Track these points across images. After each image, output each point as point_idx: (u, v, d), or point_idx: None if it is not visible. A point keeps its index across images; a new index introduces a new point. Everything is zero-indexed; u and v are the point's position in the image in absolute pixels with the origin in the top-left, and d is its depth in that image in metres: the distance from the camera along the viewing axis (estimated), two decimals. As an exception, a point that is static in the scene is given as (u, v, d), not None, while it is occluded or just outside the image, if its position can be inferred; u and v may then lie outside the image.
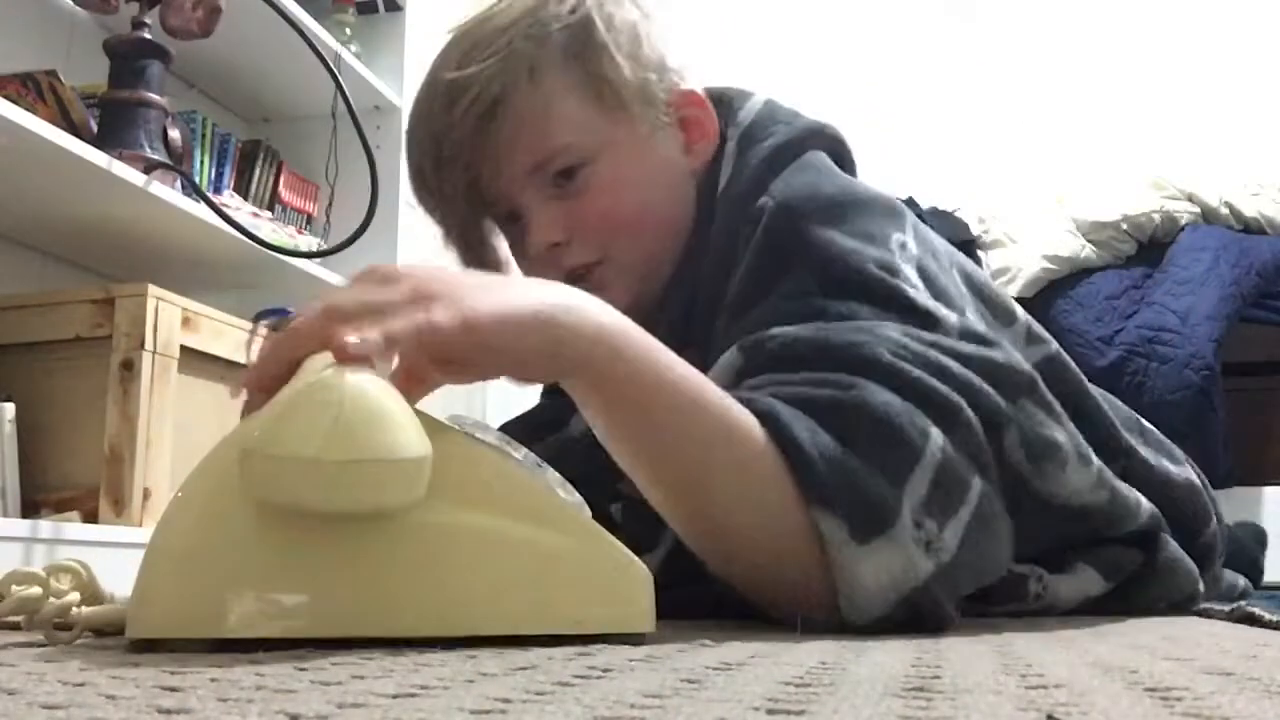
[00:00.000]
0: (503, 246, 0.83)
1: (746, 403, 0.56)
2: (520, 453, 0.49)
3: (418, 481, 0.41)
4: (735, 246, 0.72)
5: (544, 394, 0.94)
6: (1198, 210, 2.57)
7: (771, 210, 0.71)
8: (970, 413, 0.59)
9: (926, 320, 0.64)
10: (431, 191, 0.79)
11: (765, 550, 0.56)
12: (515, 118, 0.74)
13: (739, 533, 0.57)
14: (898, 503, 0.54)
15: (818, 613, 0.55)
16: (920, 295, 0.66)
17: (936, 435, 0.57)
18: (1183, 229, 2.56)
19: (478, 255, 0.82)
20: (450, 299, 0.46)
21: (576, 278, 0.76)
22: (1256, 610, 0.76)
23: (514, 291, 0.52)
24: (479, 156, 0.76)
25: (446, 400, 0.60)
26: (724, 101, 0.83)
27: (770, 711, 0.26)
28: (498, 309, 0.48)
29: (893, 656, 0.41)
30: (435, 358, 0.48)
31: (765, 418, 0.55)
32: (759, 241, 0.70)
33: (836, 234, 0.68)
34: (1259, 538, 1.39)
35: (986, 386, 0.62)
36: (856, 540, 0.53)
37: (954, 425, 0.58)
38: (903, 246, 0.70)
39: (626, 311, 0.55)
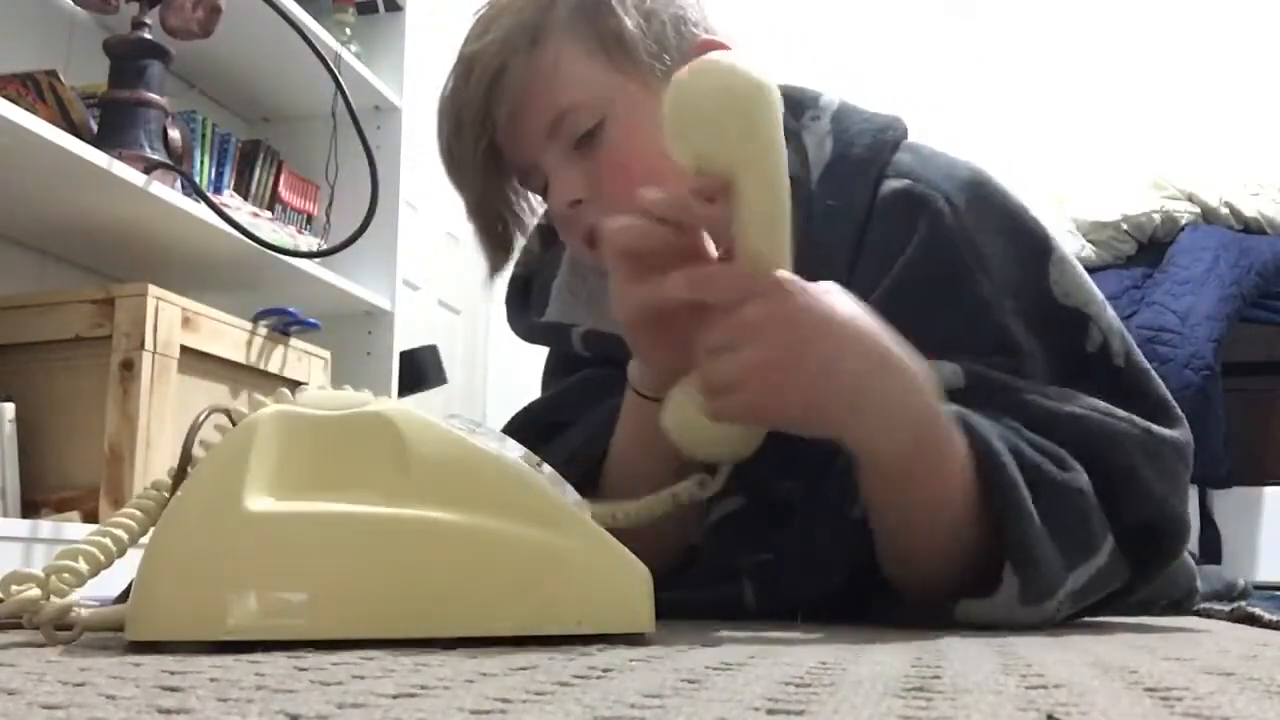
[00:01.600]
0: (524, 223, 0.84)
1: (985, 444, 0.63)
2: (520, 453, 0.49)
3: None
4: (852, 216, 0.73)
5: (546, 383, 0.93)
6: (1198, 210, 2.57)
7: (938, 203, 0.72)
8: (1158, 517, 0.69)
9: (1074, 321, 0.72)
10: (456, 164, 0.79)
11: (952, 564, 0.65)
12: (518, 84, 0.74)
13: (941, 554, 0.66)
14: (1061, 585, 0.64)
15: (938, 604, 0.64)
16: (1066, 293, 0.72)
17: (1109, 541, 0.66)
18: (1183, 229, 2.56)
19: (495, 231, 0.82)
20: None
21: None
22: (1256, 610, 0.76)
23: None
24: (493, 125, 0.75)
25: (447, 400, 0.60)
26: (790, 95, 0.80)
27: (770, 711, 0.26)
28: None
29: (893, 656, 0.41)
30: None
31: (993, 472, 0.63)
32: (929, 239, 0.71)
33: (996, 235, 0.72)
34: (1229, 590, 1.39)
35: (1181, 489, 0.71)
36: (1021, 601, 0.63)
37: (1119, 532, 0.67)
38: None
39: None
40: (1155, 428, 0.70)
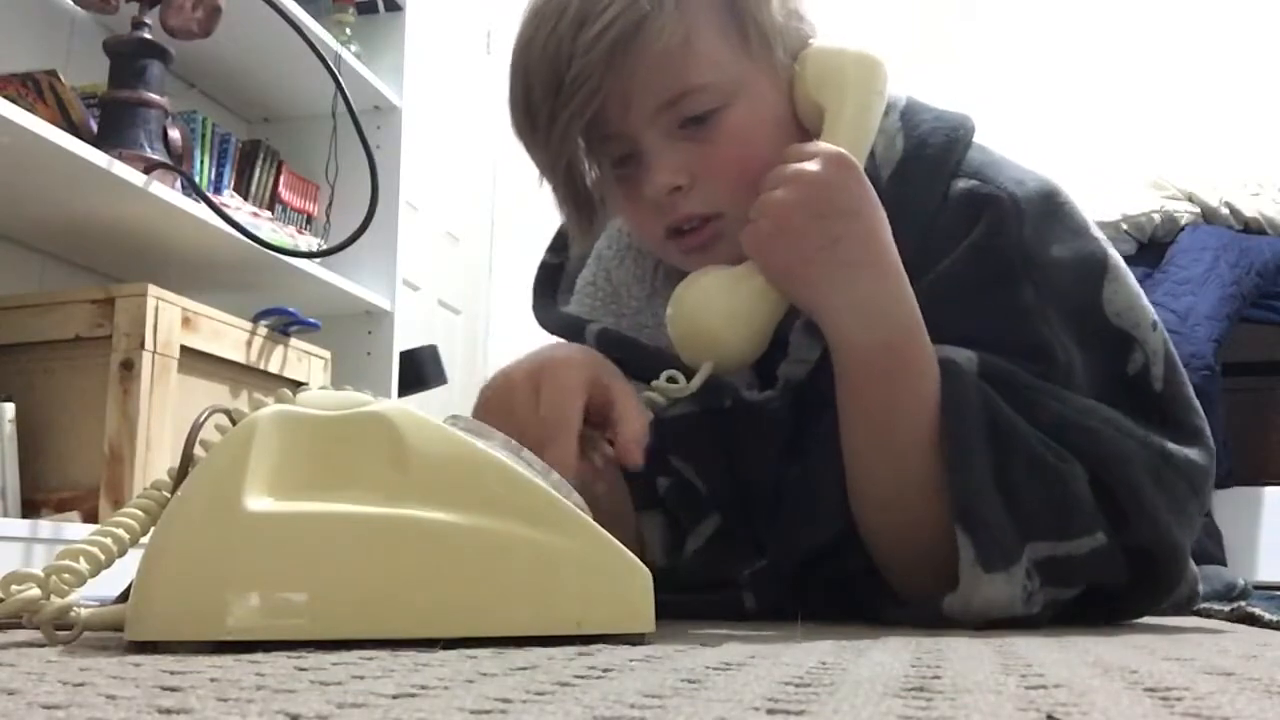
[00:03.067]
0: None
1: (954, 382, 0.66)
2: (520, 452, 0.49)
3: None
4: (926, 216, 0.72)
5: None
6: (1198, 210, 2.57)
7: (1003, 205, 0.71)
8: (1159, 541, 0.69)
9: (1120, 341, 0.73)
10: (540, 123, 0.70)
11: (918, 543, 0.66)
12: (655, 48, 0.68)
13: (905, 511, 0.67)
14: (1019, 552, 0.64)
15: (928, 597, 0.65)
16: (1117, 312, 0.73)
17: (1098, 537, 0.66)
18: (1183, 229, 2.56)
19: (582, 197, 0.75)
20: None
21: (684, 231, 0.72)
22: (1256, 610, 0.76)
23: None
24: (607, 87, 0.68)
25: (447, 400, 0.61)
26: None
27: (770, 711, 0.26)
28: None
29: (893, 656, 0.41)
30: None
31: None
32: (983, 237, 0.71)
33: (1058, 245, 0.72)
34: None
35: (1185, 517, 0.70)
36: (983, 567, 0.62)
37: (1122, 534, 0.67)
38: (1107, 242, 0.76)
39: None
40: (1172, 449, 0.70)
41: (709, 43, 0.70)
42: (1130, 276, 0.75)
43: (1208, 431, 0.74)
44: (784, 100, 0.73)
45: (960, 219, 0.72)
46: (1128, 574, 0.69)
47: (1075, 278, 0.73)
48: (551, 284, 0.89)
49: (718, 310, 0.68)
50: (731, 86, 0.70)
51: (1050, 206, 0.74)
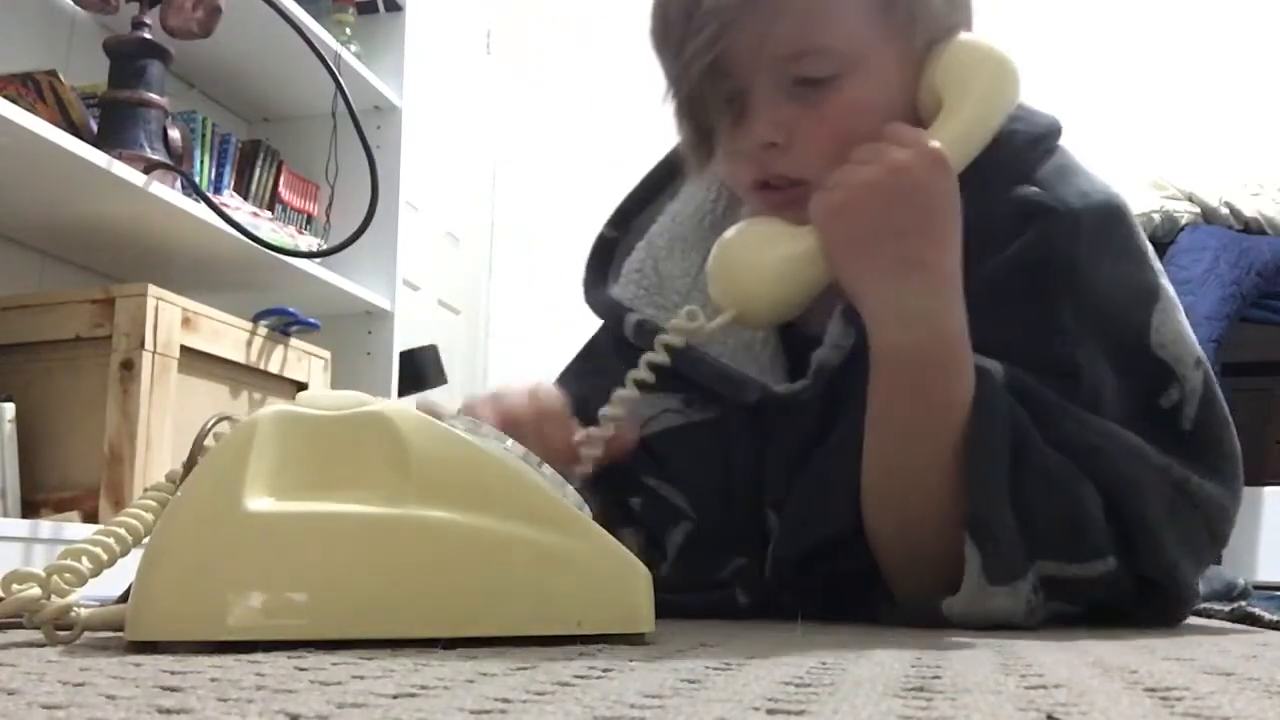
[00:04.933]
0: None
1: (989, 395, 0.65)
2: (520, 453, 0.49)
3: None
4: (986, 219, 0.69)
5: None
6: (1198, 210, 2.57)
7: (1057, 218, 0.70)
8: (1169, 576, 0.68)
9: (1160, 373, 0.71)
10: (671, 43, 0.70)
11: (923, 546, 0.66)
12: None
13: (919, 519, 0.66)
14: (1026, 569, 0.63)
15: (927, 602, 0.64)
16: (1162, 344, 0.71)
17: (1108, 563, 0.65)
18: (1183, 229, 2.56)
19: (702, 124, 0.73)
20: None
21: (770, 188, 0.71)
22: (1256, 610, 0.76)
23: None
24: (738, 26, 0.67)
25: (447, 400, 0.61)
26: None
27: (770, 711, 0.26)
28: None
29: (893, 656, 0.41)
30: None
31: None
32: (1030, 248, 0.70)
33: (1108, 267, 0.71)
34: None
35: (1195, 554, 0.70)
36: (988, 579, 0.62)
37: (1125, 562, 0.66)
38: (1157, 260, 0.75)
39: None
40: (1195, 483, 0.69)
41: (849, 6, 0.68)
42: (1180, 311, 0.73)
43: (1238, 473, 0.73)
44: (907, 86, 0.70)
45: (1013, 225, 0.70)
46: (1133, 599, 0.68)
47: (1123, 302, 0.71)
48: (605, 260, 0.86)
49: (760, 260, 0.66)
50: (856, 57, 0.68)
51: (1110, 224, 0.72)
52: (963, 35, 0.71)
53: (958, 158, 0.65)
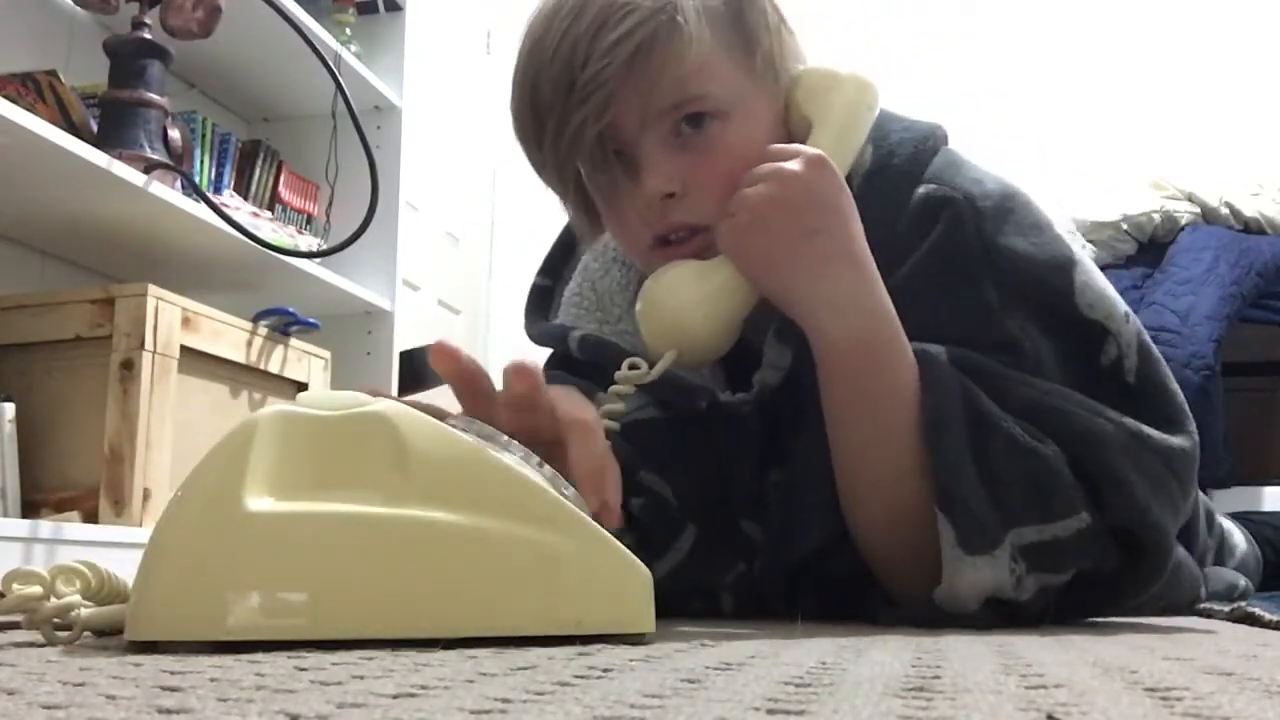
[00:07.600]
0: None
1: (931, 367, 0.67)
2: (520, 453, 0.49)
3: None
4: (891, 225, 0.73)
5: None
6: (1198, 210, 2.57)
7: (959, 206, 0.73)
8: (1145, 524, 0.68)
9: (1094, 333, 0.72)
10: (549, 125, 0.70)
11: (903, 533, 0.67)
12: (671, 53, 0.68)
13: (890, 505, 0.68)
14: (1002, 535, 0.64)
15: (918, 590, 0.65)
16: (1090, 304, 0.73)
17: (1082, 518, 0.66)
18: (1183, 229, 2.56)
19: (589, 199, 0.76)
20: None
21: (671, 242, 0.72)
22: (1256, 610, 0.76)
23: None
24: (622, 88, 0.68)
25: (446, 401, 0.61)
26: None
27: (770, 711, 0.26)
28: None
29: (893, 656, 0.41)
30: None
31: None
32: (942, 237, 0.72)
33: (1019, 240, 0.73)
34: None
35: (1165, 497, 0.70)
36: (965, 549, 0.63)
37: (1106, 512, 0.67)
38: (1071, 233, 0.76)
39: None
40: (1149, 432, 0.70)
41: (719, 59, 0.72)
42: (1097, 269, 0.76)
43: (1189, 419, 0.74)
44: (779, 123, 0.75)
45: (920, 223, 0.73)
46: (1116, 558, 0.69)
47: (1043, 271, 0.73)
48: (543, 306, 0.90)
49: (685, 300, 0.68)
50: (732, 100, 0.72)
51: (1008, 205, 0.74)
52: (813, 65, 0.77)
53: (838, 160, 0.69)
